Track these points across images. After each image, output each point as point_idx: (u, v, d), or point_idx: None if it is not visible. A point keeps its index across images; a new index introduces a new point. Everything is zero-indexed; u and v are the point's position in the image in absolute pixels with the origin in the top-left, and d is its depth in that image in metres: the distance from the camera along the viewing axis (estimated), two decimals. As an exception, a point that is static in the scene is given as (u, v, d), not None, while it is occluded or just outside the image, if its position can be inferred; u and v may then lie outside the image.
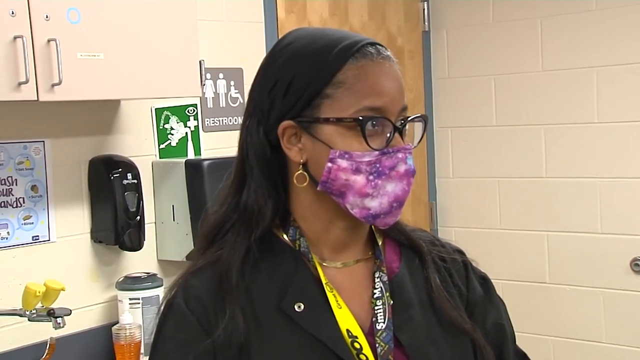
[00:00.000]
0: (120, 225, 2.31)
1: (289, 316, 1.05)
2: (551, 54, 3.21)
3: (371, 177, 1.03)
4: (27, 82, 1.84)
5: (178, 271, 2.53)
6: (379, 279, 1.10)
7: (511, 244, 3.36)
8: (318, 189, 1.06)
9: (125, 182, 2.32)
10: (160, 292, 2.37)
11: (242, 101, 2.77)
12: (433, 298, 1.12)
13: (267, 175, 1.08)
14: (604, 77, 3.11)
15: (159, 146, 2.52)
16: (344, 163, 1.03)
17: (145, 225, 2.39)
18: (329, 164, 1.04)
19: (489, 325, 1.17)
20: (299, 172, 1.07)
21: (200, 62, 2.26)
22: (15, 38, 1.83)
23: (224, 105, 2.71)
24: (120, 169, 2.33)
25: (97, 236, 2.35)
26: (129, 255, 2.42)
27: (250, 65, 2.78)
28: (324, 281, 1.07)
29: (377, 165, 1.03)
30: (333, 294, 1.07)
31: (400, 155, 1.04)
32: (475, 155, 3.44)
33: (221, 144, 2.68)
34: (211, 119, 2.67)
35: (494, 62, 3.34)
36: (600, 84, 3.12)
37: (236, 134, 2.89)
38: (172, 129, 2.56)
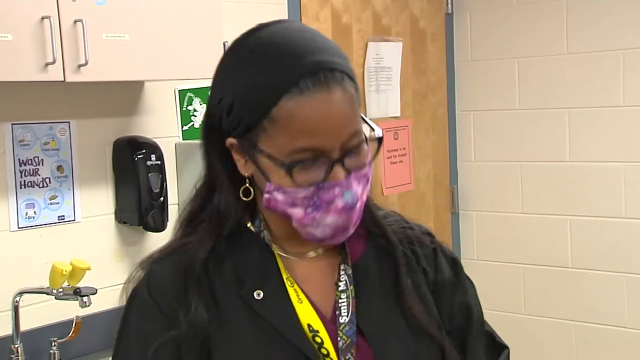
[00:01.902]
0: (144, 206, 2.32)
1: (250, 306, 1.04)
2: (576, 36, 3.18)
3: (309, 210, 1.01)
4: (54, 62, 1.86)
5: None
6: (344, 272, 1.09)
7: (533, 228, 3.34)
8: (264, 206, 1.05)
9: (149, 163, 2.34)
10: (183, 273, 2.39)
11: (264, 83, 2.76)
12: (401, 297, 1.10)
13: (234, 181, 1.06)
14: (631, 60, 3.07)
15: (182, 128, 2.53)
16: (279, 196, 1.02)
17: (169, 207, 2.40)
18: (267, 195, 1.03)
19: (455, 306, 1.15)
20: (245, 186, 1.06)
21: (224, 43, 2.26)
22: (42, 19, 1.84)
23: (247, 87, 2.71)
24: (144, 150, 2.34)
25: (121, 217, 2.36)
26: (152, 236, 2.44)
27: (273, 48, 2.77)
28: (284, 276, 1.06)
29: (315, 198, 1.00)
30: (294, 289, 1.06)
31: (337, 190, 1.00)
32: (498, 139, 3.42)
33: (244, 126, 2.68)
34: (234, 101, 2.67)
35: (517, 45, 3.31)
36: (627, 66, 3.08)
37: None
38: (195, 110, 2.57)
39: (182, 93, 2.53)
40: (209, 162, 1.10)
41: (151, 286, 1.06)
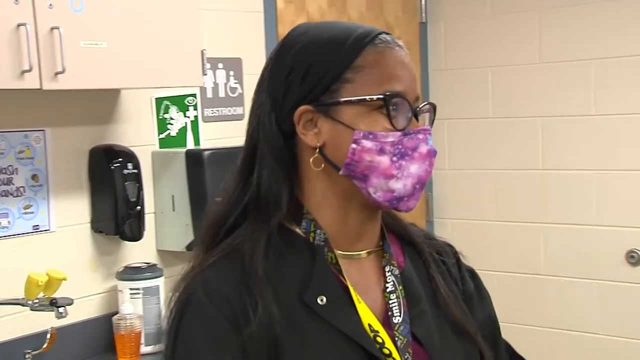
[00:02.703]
0: (120, 215, 2.30)
1: (312, 310, 1.03)
2: (549, 45, 3.22)
3: (395, 158, 1.03)
4: (30, 70, 1.83)
5: (178, 261, 2.55)
6: (389, 273, 1.10)
7: (507, 235, 3.37)
8: (341, 172, 1.05)
9: (125, 171, 2.32)
10: (160, 283, 2.37)
11: (241, 91, 2.76)
12: (438, 297, 1.12)
13: (281, 162, 1.06)
14: (601, 69, 3.12)
15: (158, 136, 2.52)
16: (368, 144, 1.03)
17: (145, 215, 2.38)
18: (353, 145, 1.03)
19: (481, 318, 1.18)
20: (315, 155, 1.05)
21: (202, 51, 2.25)
22: (18, 26, 1.81)
23: (224, 96, 2.70)
24: (120, 159, 2.32)
25: (97, 226, 2.34)
26: (128, 245, 2.41)
27: (249, 55, 2.78)
28: (345, 276, 1.06)
29: (400, 146, 1.03)
30: (353, 289, 1.06)
31: (421, 136, 1.05)
32: (472, 147, 3.44)
33: (220, 134, 2.67)
34: (210, 109, 2.66)
35: (491, 54, 3.35)
36: (598, 76, 3.13)
37: (235, 125, 2.88)
38: (171, 118, 2.55)
39: (159, 101, 2.51)
40: (254, 147, 1.07)
41: (209, 292, 1.01)
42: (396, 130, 1.03)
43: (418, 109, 1.06)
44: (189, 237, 2.42)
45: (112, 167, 2.30)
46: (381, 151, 1.03)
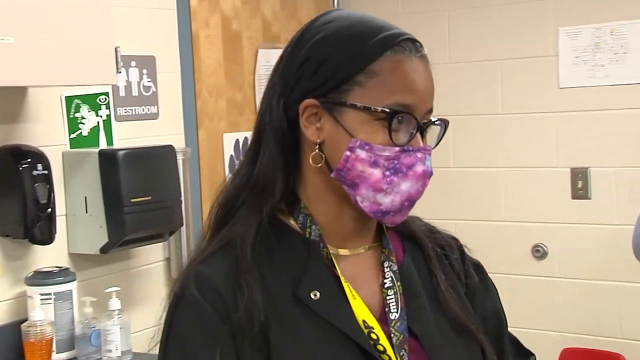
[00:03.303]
0: (30, 218, 2.21)
1: (305, 305, 1.02)
2: (457, 46, 3.31)
3: (387, 173, 1.01)
4: None
5: (91, 265, 2.49)
6: (388, 268, 1.09)
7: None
8: (332, 175, 1.04)
9: (35, 172, 2.22)
10: (73, 287, 2.30)
11: (155, 90, 2.71)
12: (439, 294, 1.11)
13: (281, 148, 1.05)
14: (508, 69, 3.23)
15: (69, 136, 2.43)
16: (362, 154, 1.01)
17: (56, 218, 2.30)
18: (348, 153, 1.02)
19: (487, 311, 1.17)
20: (315, 152, 1.04)
21: (116, 49, 2.19)
22: None
23: (137, 94, 2.64)
24: (29, 159, 2.23)
25: (4, 230, 2.24)
26: (38, 249, 2.32)
27: (163, 53, 2.73)
28: (339, 272, 1.05)
29: (396, 161, 1.01)
30: (347, 285, 1.05)
31: (419, 155, 1.03)
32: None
33: (134, 133, 2.61)
34: (123, 108, 2.60)
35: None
36: (504, 76, 3.24)
37: (149, 124, 2.82)
38: (83, 118, 2.47)
39: (69, 100, 2.43)
40: (261, 129, 1.06)
41: (201, 287, 1.01)
42: (395, 146, 1.01)
43: (426, 125, 1.04)
44: (103, 239, 2.36)
45: (21, 168, 2.20)
46: (374, 163, 1.01)
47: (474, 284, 1.17)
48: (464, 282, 1.16)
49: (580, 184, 3.17)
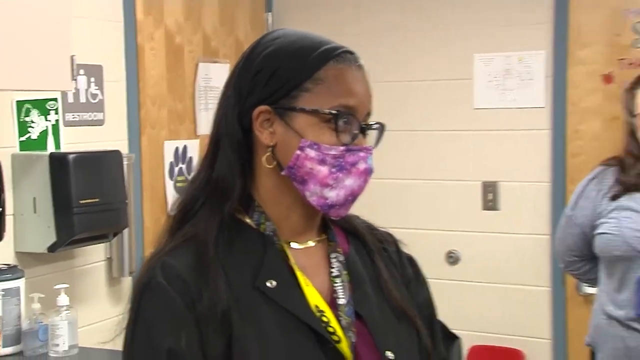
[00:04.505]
0: (-21, 218, 2.28)
1: (263, 293, 1.11)
2: (383, 66, 3.54)
3: (333, 170, 1.12)
4: None
5: (38, 263, 2.59)
6: (335, 259, 1.19)
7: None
8: (283, 173, 1.14)
9: (-15, 174, 2.30)
10: (20, 284, 2.38)
11: (101, 97, 2.82)
12: (381, 283, 1.21)
13: (237, 154, 1.15)
14: (428, 90, 3.48)
15: (19, 138, 2.52)
16: (311, 153, 1.12)
17: (5, 218, 2.36)
18: (298, 152, 1.12)
19: (420, 300, 1.29)
20: (268, 154, 1.14)
21: (72, 57, 2.29)
22: None
23: (85, 101, 2.75)
24: (-20, 161, 2.30)
25: (-47, 228, 2.30)
26: (-13, 248, 2.39)
27: (110, 63, 2.84)
28: (292, 261, 1.15)
29: (341, 159, 1.13)
30: (300, 273, 1.15)
31: (362, 154, 1.14)
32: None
33: (81, 138, 2.72)
34: (72, 114, 2.70)
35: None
36: (423, 95, 3.50)
37: (95, 130, 2.92)
38: (32, 122, 2.57)
39: (20, 104, 2.52)
40: (217, 136, 1.16)
41: (168, 276, 1.09)
42: (340, 145, 1.13)
43: (367, 126, 1.16)
44: (51, 238, 2.45)
45: (-27, 169, 2.28)
46: (322, 161, 1.12)
47: (409, 276, 1.29)
48: (400, 273, 1.27)
49: (490, 196, 3.46)
